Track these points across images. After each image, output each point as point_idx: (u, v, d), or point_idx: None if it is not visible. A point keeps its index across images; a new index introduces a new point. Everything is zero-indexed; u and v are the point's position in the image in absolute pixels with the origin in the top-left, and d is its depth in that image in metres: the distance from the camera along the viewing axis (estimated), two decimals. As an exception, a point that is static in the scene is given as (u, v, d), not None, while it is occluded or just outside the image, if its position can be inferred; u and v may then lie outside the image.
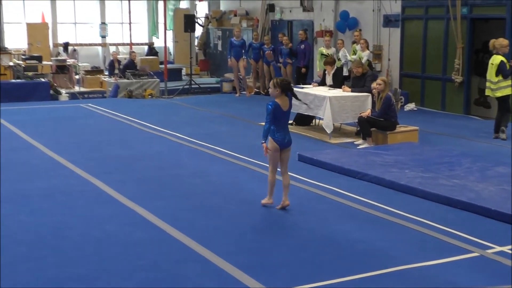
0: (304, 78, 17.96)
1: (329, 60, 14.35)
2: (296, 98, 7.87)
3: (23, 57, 20.03)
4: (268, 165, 8.01)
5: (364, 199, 8.29)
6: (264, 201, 7.96)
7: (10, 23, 23.58)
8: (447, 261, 6.21)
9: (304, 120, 14.01)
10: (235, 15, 23.38)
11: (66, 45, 23.55)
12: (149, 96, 19.02)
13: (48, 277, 5.72)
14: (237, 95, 20.02)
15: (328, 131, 12.46)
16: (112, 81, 19.89)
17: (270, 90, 7.80)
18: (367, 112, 12.10)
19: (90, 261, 6.09)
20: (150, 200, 8.19)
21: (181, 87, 20.45)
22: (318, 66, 17.15)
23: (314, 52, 19.07)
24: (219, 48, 24.67)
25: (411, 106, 16.76)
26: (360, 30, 17.32)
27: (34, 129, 13.39)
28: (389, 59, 17.56)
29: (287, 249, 6.49)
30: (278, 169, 7.95)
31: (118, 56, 21.75)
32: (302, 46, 18.42)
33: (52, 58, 21.72)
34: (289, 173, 8.08)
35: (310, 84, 14.73)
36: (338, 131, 13.17)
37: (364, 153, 10.76)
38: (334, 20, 19.25)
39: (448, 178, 9.05)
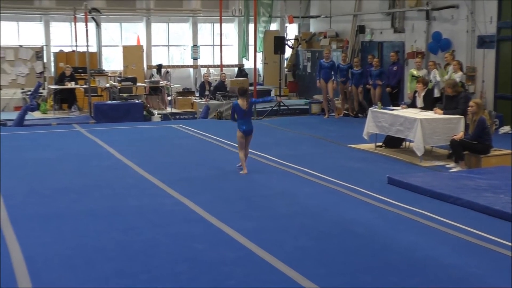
0: (396, 99, 17.73)
1: (421, 81, 14.13)
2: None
3: (119, 79, 20.39)
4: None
5: (456, 224, 8.09)
6: (242, 172, 10.93)
7: (107, 46, 24.00)
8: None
9: (394, 142, 13.81)
10: (325, 37, 23.27)
11: (159, 67, 23.84)
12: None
13: (139, 294, 5.37)
14: (326, 116, 19.85)
15: (419, 154, 12.23)
16: (202, 102, 20.11)
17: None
18: (460, 134, 11.92)
19: (180, 280, 6.16)
20: (238, 220, 8.22)
21: (270, 108, 20.36)
22: (408, 87, 16.92)
23: (404, 73, 18.85)
24: (308, 69, 24.50)
25: (506, 129, 16.27)
26: (454, 51, 16.97)
27: (128, 149, 13.65)
28: (483, 81, 17.07)
29: (378, 272, 6.39)
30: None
31: (209, 78, 21.92)
32: (395, 68, 18.21)
33: (146, 79, 22.07)
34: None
35: (399, 105, 14.51)
36: (429, 154, 12.93)
37: (457, 177, 10.52)
38: (426, 41, 18.92)
39: (546, 204, 8.09)
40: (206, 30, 25.60)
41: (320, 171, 11.37)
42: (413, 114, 12.70)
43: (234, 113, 11.37)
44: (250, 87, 21.50)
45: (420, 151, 12.21)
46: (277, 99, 11.84)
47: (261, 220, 8.25)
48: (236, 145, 11.69)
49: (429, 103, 13.64)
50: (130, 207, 8.87)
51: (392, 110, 13.51)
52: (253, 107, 11.69)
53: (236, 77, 24.26)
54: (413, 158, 12.57)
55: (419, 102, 13.87)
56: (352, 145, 14.25)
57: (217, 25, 24.15)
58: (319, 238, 7.49)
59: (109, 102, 19.27)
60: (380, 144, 13.89)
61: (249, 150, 11.74)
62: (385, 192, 9.70)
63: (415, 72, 16.64)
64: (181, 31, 25.33)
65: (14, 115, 18.24)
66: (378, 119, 13.45)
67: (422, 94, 13.97)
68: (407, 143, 13.69)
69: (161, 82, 20.99)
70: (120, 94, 19.13)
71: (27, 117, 17.96)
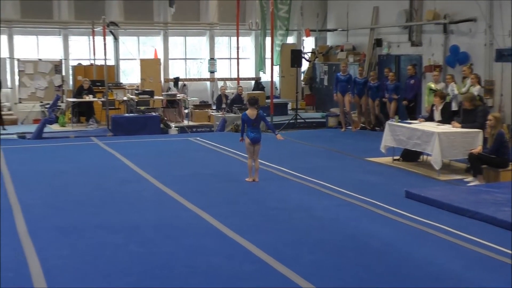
0: (413, 113, 17.58)
1: (439, 94, 14.08)
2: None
3: (136, 92, 20.37)
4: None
5: (474, 238, 8.04)
6: (247, 179, 11.30)
7: (125, 59, 23.98)
8: None
9: (411, 156, 13.74)
10: (342, 50, 23.15)
11: (176, 80, 23.80)
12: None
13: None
14: (343, 130, 19.76)
15: (437, 168, 12.16)
16: (219, 115, 20.02)
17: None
18: (478, 148, 11.83)
19: (196, 292, 5.69)
20: (254, 233, 8.21)
21: (287, 121, 20.24)
22: (426, 101, 16.80)
23: (422, 87, 18.71)
24: (325, 83, 24.36)
25: (525, 142, 15.33)
26: (472, 64, 16.85)
27: (145, 162, 13.65)
28: (501, 95, 16.90)
29: (395, 286, 6.43)
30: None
31: (225, 91, 21.85)
32: (412, 81, 18.09)
33: (163, 93, 22.03)
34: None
35: (417, 119, 14.44)
36: (447, 168, 12.83)
37: (475, 191, 10.45)
38: (444, 55, 18.80)
39: None
40: (223, 44, 25.65)
41: (337, 184, 11.36)
42: (430, 128, 12.66)
43: (244, 123, 11.87)
44: (267, 100, 21.49)
45: (438, 164, 12.15)
46: (277, 137, 12.30)
47: (278, 233, 8.24)
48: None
49: (447, 117, 13.60)
50: (147, 220, 8.88)
51: (410, 123, 13.48)
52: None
53: (253, 90, 24.26)
54: (430, 171, 12.50)
55: (437, 115, 13.84)
56: (369, 159, 14.21)
57: (234, 39, 24.12)
58: (335, 251, 7.49)
59: (127, 115, 19.31)
60: (398, 157, 13.83)
61: (264, 162, 11.95)
62: (402, 206, 9.67)
63: (433, 86, 16.54)
64: (198, 44, 25.38)
65: (33, 128, 18.38)
66: (396, 133, 13.41)
67: (440, 107, 13.91)
68: (425, 156, 13.63)
69: (178, 95, 20.99)
70: (138, 107, 19.15)
71: (45, 130, 18.08)
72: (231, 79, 25.25)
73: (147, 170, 12.75)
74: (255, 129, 11.79)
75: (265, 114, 12.31)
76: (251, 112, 11.75)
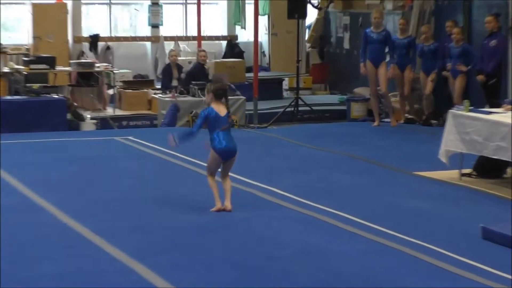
0: (495, 95, 15.51)
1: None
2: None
3: (26, 59, 18.07)
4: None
5: None
6: (214, 208, 9.84)
7: (6, 3, 20.87)
8: None
9: (492, 168, 12.10)
10: None
11: (94, 40, 21.01)
12: (229, 125, 17.63)
13: None
14: (375, 124, 17.25)
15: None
16: (167, 99, 17.56)
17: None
18: None
19: None
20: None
21: (281, 110, 18.23)
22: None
23: (510, 52, 16.63)
24: (345, 45, 21.45)
25: None
26: None
27: (41, 178, 12.12)
28: None
29: None
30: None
31: (178, 59, 19.45)
32: (492, 43, 15.90)
33: (71, 61, 19.55)
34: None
35: (501, 106, 12.78)
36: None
37: None
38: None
39: None
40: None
41: (365, 215, 9.86)
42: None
43: (205, 121, 9.70)
44: (248, 75, 19.50)
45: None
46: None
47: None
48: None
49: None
50: (44, 276, 7.61)
51: (489, 113, 12.08)
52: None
53: (224, 57, 21.80)
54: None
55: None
56: (419, 173, 12.65)
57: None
58: None
59: (9, 98, 17.17)
60: (469, 171, 12.27)
61: (242, 178, 10.89)
62: (477, 252, 8.35)
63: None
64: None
65: None
66: (465, 129, 11.79)
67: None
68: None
69: (97, 65, 18.65)
70: (28, 85, 17.13)
71: None
72: (186, 39, 22.31)
73: (45, 193, 11.10)
74: (227, 134, 9.94)
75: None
76: (218, 107, 9.88)
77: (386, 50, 17.61)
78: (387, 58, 17.65)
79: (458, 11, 18.96)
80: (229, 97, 17.79)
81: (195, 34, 21.13)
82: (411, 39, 17.66)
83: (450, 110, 13.06)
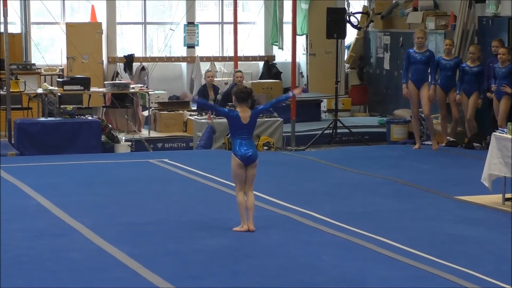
0: None
1: None
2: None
3: (59, 80, 18.19)
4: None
5: None
6: (238, 228, 9.88)
7: (40, 23, 21.33)
8: None
9: None
10: (415, 8, 20.61)
11: (129, 60, 20.88)
12: (265, 148, 16.77)
13: None
14: (416, 146, 17.04)
15: None
16: (203, 120, 17.57)
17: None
18: None
19: None
20: None
21: (319, 132, 18.15)
22: None
23: None
24: (386, 66, 21.33)
25: None
26: None
27: (75, 201, 11.99)
28: None
29: None
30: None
31: (214, 80, 19.32)
32: None
33: (106, 82, 19.62)
34: None
35: None
36: None
37: None
38: None
39: None
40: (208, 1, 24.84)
41: (406, 240, 9.83)
42: None
43: (223, 113, 10.13)
44: (287, 95, 19.54)
45: None
46: (294, 93, 10.80)
47: None
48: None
49: None
50: None
51: None
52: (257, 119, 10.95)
53: (261, 78, 21.78)
54: None
55: None
56: (461, 197, 12.55)
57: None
58: None
59: (43, 119, 17.31)
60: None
61: (273, 199, 11.03)
62: None
63: None
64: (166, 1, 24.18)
65: None
66: (509, 153, 11.67)
67: None
68: None
69: (132, 86, 18.56)
70: (62, 106, 17.10)
71: None
72: (222, 59, 22.20)
73: (79, 215, 11.07)
74: (248, 139, 9.88)
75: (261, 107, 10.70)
76: (242, 113, 9.84)
77: (429, 71, 17.52)
78: (431, 80, 17.39)
79: (502, 30, 18.50)
80: (266, 119, 17.32)
81: (232, 54, 20.84)
82: (458, 60, 17.23)
83: (494, 133, 12.83)
